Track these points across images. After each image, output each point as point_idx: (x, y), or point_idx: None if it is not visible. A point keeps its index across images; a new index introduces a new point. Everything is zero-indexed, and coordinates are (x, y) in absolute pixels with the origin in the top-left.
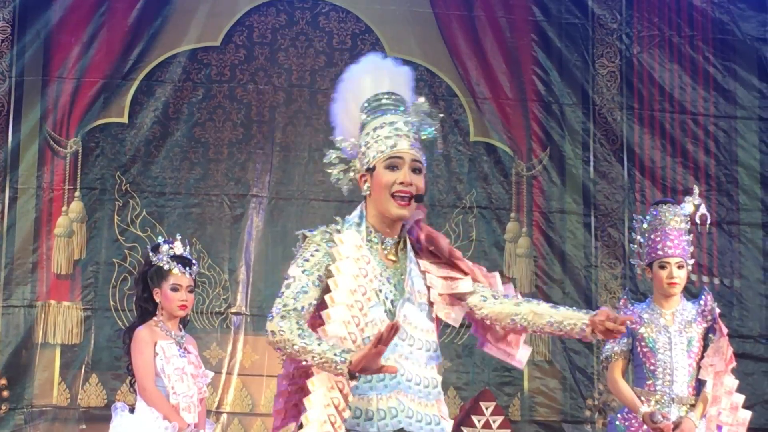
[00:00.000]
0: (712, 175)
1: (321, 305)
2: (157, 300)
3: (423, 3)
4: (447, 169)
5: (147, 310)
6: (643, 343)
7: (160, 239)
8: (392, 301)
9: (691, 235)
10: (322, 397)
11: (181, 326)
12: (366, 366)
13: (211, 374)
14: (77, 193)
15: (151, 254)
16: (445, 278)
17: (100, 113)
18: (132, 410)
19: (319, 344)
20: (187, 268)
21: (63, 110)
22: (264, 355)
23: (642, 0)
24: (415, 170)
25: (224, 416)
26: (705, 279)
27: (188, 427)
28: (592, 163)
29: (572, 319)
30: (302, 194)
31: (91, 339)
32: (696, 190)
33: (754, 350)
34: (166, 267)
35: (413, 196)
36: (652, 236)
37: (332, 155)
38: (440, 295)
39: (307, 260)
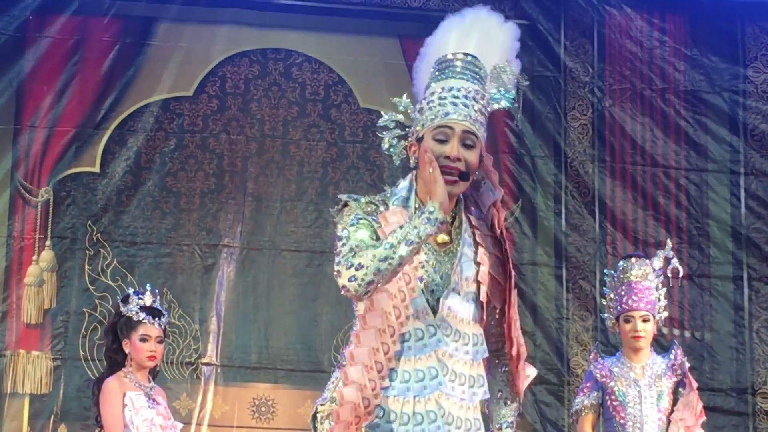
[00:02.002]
0: (683, 228)
1: None
2: (126, 351)
3: (395, 55)
4: None
5: (116, 360)
6: (612, 397)
7: (131, 289)
8: (432, 291)
9: (665, 289)
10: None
11: (150, 377)
12: (443, 194)
13: (181, 425)
14: (48, 242)
15: (120, 305)
16: (496, 258)
17: (71, 162)
18: None
19: (396, 234)
20: (157, 319)
21: (35, 159)
22: (234, 406)
23: (614, 53)
24: (467, 144)
25: None
26: (676, 332)
27: None
28: (563, 216)
29: None
30: (274, 245)
31: (60, 389)
32: (669, 244)
33: (725, 403)
34: (135, 318)
35: (461, 173)
36: (619, 290)
37: (388, 117)
38: (489, 274)
39: (355, 222)
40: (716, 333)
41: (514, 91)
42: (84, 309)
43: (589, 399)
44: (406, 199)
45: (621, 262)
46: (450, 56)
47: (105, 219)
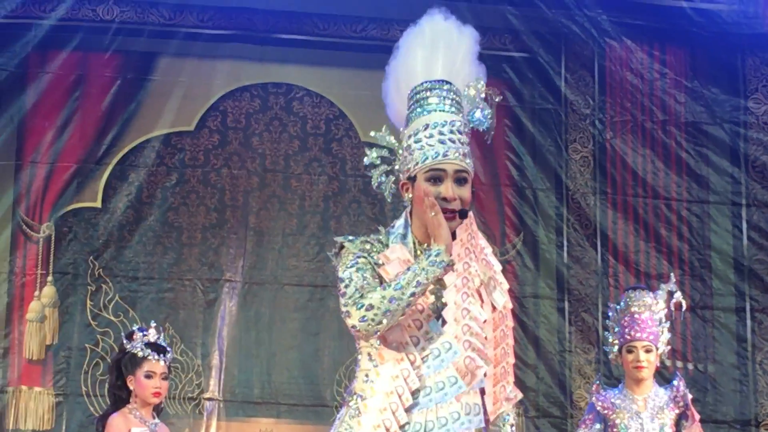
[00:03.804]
0: (685, 260)
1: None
2: (131, 387)
3: None
4: None
5: (120, 397)
6: (615, 429)
7: (135, 325)
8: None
9: (669, 322)
10: (385, 386)
11: (154, 413)
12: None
13: None
14: (50, 278)
15: (125, 341)
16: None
17: (73, 198)
18: None
19: (404, 276)
20: (162, 356)
21: (36, 195)
22: None
23: (615, 85)
24: (460, 180)
25: None
26: (679, 364)
27: None
28: (565, 248)
29: None
30: (276, 279)
31: (62, 425)
32: (672, 278)
33: None
34: (140, 354)
35: (459, 211)
36: (622, 322)
37: (373, 154)
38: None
39: (355, 263)
40: (719, 365)
41: (489, 110)
42: (86, 345)
43: (591, 431)
44: (404, 236)
45: (624, 295)
46: (425, 86)
47: (107, 254)
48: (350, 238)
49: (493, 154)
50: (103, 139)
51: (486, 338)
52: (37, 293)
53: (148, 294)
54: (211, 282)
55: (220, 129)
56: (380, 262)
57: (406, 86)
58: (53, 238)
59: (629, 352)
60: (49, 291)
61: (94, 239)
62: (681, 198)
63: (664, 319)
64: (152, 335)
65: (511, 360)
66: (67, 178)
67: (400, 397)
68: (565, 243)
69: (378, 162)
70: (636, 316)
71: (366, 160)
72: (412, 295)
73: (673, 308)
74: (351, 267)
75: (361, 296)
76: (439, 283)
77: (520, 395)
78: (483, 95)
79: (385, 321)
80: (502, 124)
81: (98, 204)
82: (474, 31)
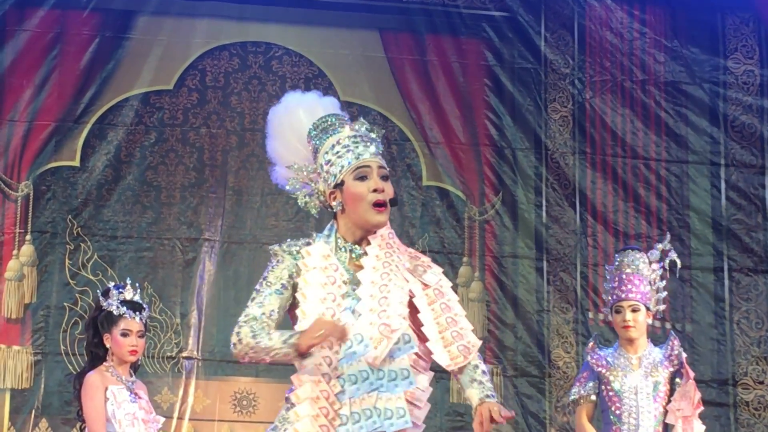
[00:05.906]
0: (663, 220)
1: (295, 318)
2: (108, 345)
3: (376, 47)
4: (399, 213)
5: (97, 355)
6: (608, 387)
7: (112, 283)
8: (352, 309)
9: (664, 281)
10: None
11: (131, 371)
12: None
13: (162, 419)
14: (28, 237)
15: (101, 299)
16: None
17: (51, 156)
18: None
19: (269, 338)
20: (138, 313)
21: (14, 153)
22: (216, 400)
23: (594, 45)
24: (383, 177)
25: None
26: (657, 323)
27: None
28: (544, 208)
29: (471, 397)
30: (255, 238)
31: (41, 383)
32: (668, 237)
33: (706, 394)
34: (116, 312)
35: (390, 200)
36: (613, 282)
37: (294, 181)
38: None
39: (270, 272)
40: (697, 324)
41: (378, 140)
42: (65, 303)
43: (585, 389)
44: (328, 236)
45: (617, 255)
46: (323, 119)
47: (85, 213)
48: (281, 243)
49: (473, 114)
50: (82, 98)
51: (414, 306)
52: (15, 252)
53: (127, 253)
54: (189, 241)
55: (199, 88)
56: (301, 256)
57: (298, 139)
58: (32, 196)
59: (617, 312)
60: (27, 250)
61: (73, 198)
62: (660, 158)
63: (658, 279)
64: (128, 293)
65: (467, 326)
66: (45, 136)
67: (331, 405)
68: (544, 203)
69: (299, 186)
70: (624, 276)
71: (288, 187)
72: (267, 355)
73: (667, 267)
74: (264, 280)
75: (245, 322)
76: (355, 267)
77: (478, 342)
78: (367, 130)
79: (246, 359)
80: (481, 84)
81: (77, 163)
82: (334, 99)
